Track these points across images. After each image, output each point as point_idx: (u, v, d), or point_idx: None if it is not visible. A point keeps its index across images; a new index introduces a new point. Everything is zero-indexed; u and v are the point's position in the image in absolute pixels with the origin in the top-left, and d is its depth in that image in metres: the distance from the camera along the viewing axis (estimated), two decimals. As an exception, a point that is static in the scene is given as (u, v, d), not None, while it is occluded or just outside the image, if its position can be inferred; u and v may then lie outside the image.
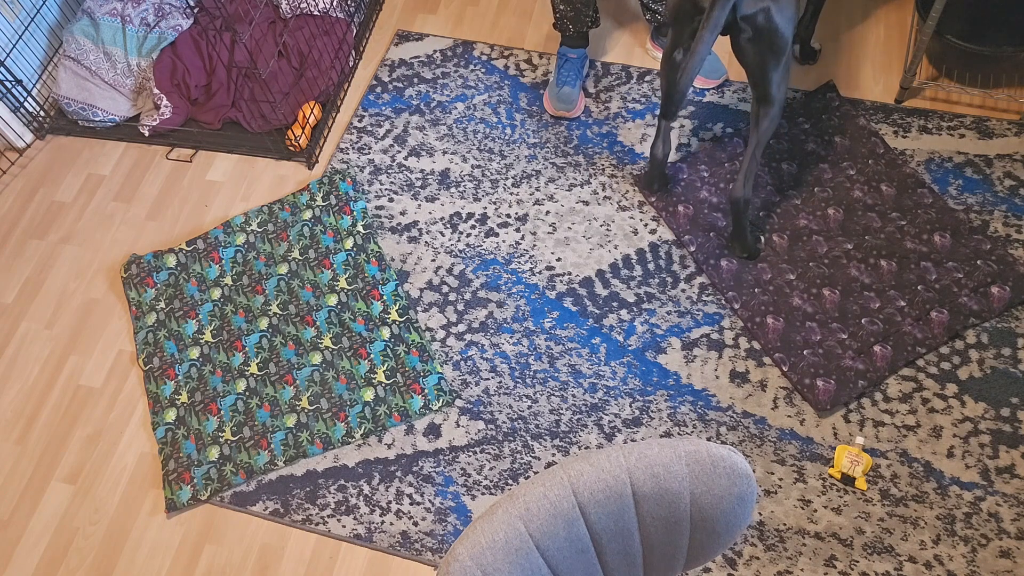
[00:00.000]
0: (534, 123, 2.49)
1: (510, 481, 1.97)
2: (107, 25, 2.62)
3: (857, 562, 1.80)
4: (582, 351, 2.11)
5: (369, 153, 2.49)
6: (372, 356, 2.13)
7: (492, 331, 2.16)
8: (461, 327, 2.17)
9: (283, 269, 2.29)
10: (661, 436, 1.98)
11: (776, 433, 1.96)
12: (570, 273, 2.22)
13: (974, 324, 2.03)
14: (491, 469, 1.98)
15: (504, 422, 2.03)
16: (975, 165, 2.26)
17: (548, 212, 2.33)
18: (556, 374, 2.08)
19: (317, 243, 2.32)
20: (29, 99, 2.64)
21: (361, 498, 1.97)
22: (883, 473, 1.89)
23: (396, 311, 2.19)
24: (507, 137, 2.47)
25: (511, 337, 2.15)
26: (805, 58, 2.49)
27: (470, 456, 2.00)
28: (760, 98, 1.95)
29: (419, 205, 2.38)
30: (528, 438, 2.01)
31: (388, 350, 2.14)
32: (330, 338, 2.17)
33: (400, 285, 2.24)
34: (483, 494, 1.95)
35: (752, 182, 2.04)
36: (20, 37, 2.61)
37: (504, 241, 2.29)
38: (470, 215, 2.35)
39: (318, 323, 2.19)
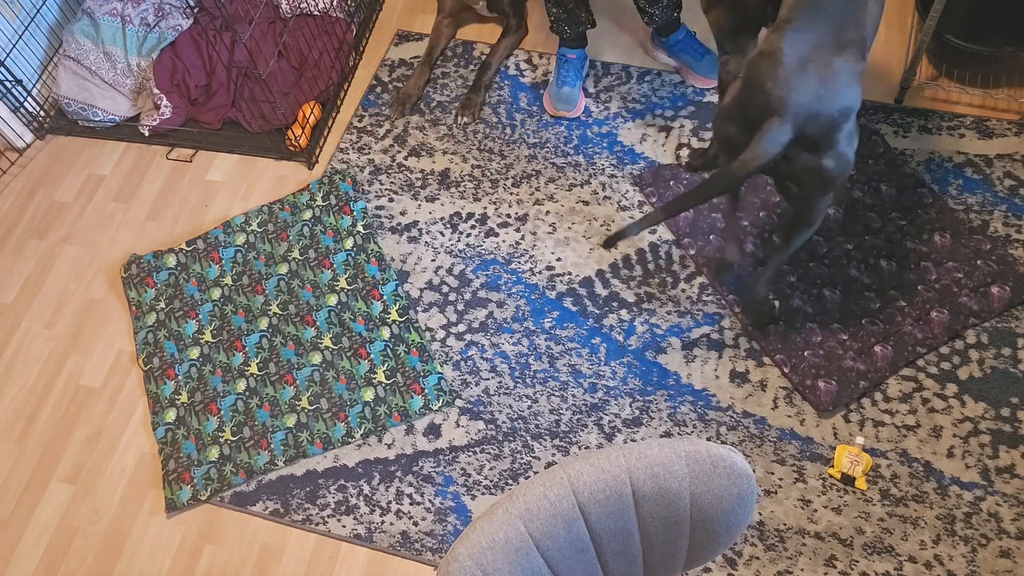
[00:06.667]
0: (534, 123, 2.49)
1: (510, 481, 1.97)
2: (107, 25, 2.62)
3: (857, 562, 1.80)
4: (582, 351, 2.11)
5: (369, 153, 2.49)
6: (372, 356, 2.13)
7: (492, 331, 2.16)
8: (461, 327, 2.17)
9: (283, 269, 2.29)
10: (661, 436, 1.98)
11: (776, 433, 1.96)
12: (570, 273, 2.22)
13: (974, 324, 2.03)
14: (491, 469, 1.98)
15: (504, 422, 2.03)
16: (975, 165, 2.26)
17: (548, 212, 2.33)
18: (556, 374, 2.08)
19: (317, 243, 2.32)
20: (29, 99, 2.64)
21: (361, 498, 1.97)
22: (883, 473, 1.89)
23: (396, 311, 2.19)
24: (507, 137, 2.47)
25: (511, 337, 2.15)
26: None
27: (470, 456, 2.00)
28: (797, 216, 1.72)
29: (419, 205, 2.38)
30: (528, 438, 2.01)
31: (388, 350, 2.14)
32: (330, 338, 2.17)
33: (400, 285, 2.24)
34: (483, 494, 1.95)
35: (773, 282, 1.87)
36: (20, 37, 2.61)
37: (504, 241, 2.29)
38: (470, 215, 2.35)
39: (318, 323, 2.19)
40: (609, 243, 1.78)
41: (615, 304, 2.17)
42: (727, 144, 1.66)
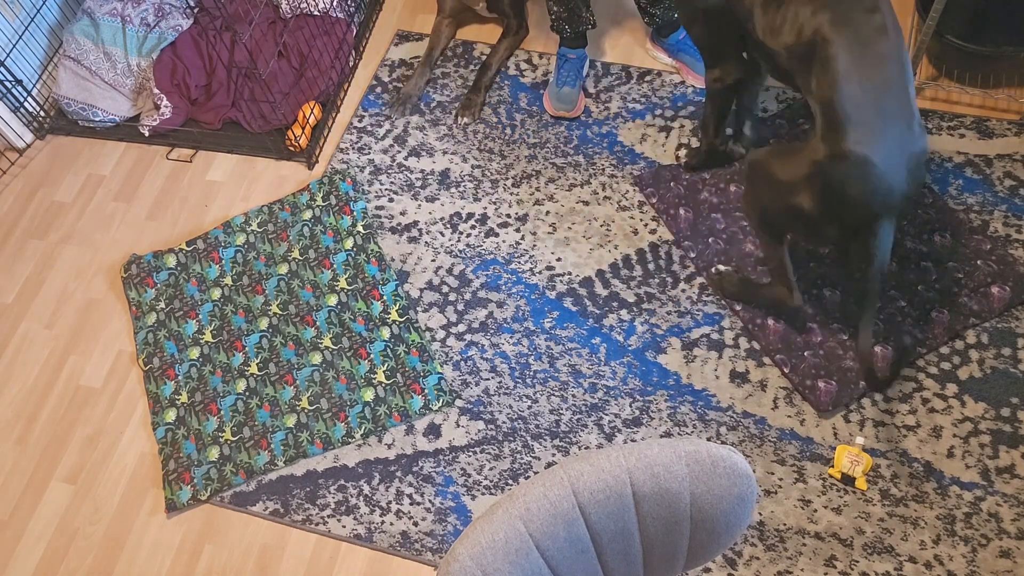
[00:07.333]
0: (534, 123, 2.49)
1: (510, 481, 1.97)
2: (107, 25, 2.62)
3: (857, 562, 1.80)
4: (582, 351, 2.11)
5: (369, 153, 2.49)
6: (372, 356, 2.13)
7: (492, 331, 2.16)
8: (461, 327, 2.17)
9: (283, 269, 2.29)
10: (661, 436, 1.98)
11: (776, 433, 1.96)
12: (570, 273, 2.22)
13: (974, 324, 2.03)
14: (491, 469, 1.98)
15: (504, 422, 2.03)
16: (975, 165, 2.26)
17: (548, 212, 2.33)
18: (556, 374, 2.08)
19: (317, 243, 2.32)
20: (29, 99, 2.64)
21: (361, 498, 1.97)
22: (883, 473, 1.89)
23: (396, 311, 2.19)
24: (507, 137, 2.47)
25: (511, 337, 2.15)
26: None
27: (470, 456, 2.00)
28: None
29: (419, 205, 2.38)
30: (528, 438, 2.01)
31: (388, 350, 2.14)
32: (330, 338, 2.17)
33: (400, 285, 2.24)
34: (483, 494, 1.95)
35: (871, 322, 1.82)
36: (20, 37, 2.61)
37: (504, 241, 2.29)
38: (470, 215, 2.35)
39: (318, 323, 2.19)
40: (880, 386, 1.87)
41: (615, 304, 2.17)
42: (823, 239, 1.80)
